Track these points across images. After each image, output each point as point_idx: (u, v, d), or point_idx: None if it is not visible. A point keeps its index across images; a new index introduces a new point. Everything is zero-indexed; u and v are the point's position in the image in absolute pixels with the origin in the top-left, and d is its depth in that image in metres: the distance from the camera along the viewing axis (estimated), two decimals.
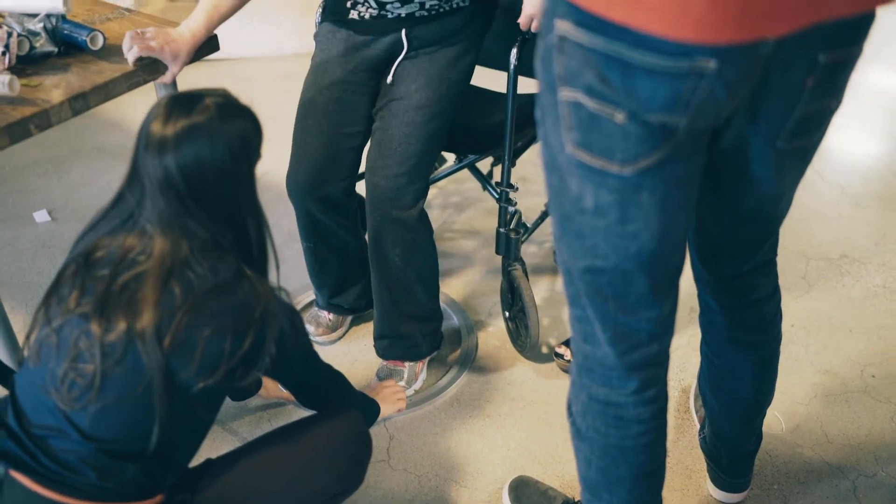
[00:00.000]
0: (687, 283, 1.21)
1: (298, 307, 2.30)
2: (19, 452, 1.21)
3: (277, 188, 1.90)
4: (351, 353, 2.17)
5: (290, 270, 2.32)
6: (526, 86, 1.85)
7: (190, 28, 1.71)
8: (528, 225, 2.28)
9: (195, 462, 1.39)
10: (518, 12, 1.77)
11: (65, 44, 1.71)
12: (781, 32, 0.91)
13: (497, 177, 2.24)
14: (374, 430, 1.81)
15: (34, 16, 1.68)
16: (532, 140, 2.10)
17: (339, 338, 2.21)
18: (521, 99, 1.91)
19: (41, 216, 2.70)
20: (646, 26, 0.88)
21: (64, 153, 3.06)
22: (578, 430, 1.29)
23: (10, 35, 1.61)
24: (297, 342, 1.38)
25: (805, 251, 2.51)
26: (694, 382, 2.03)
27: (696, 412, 1.94)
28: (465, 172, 2.43)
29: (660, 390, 1.25)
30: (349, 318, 2.24)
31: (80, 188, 2.86)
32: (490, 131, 2.12)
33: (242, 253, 1.28)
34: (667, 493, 1.40)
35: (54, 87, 1.58)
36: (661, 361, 1.23)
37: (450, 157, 2.61)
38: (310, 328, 2.17)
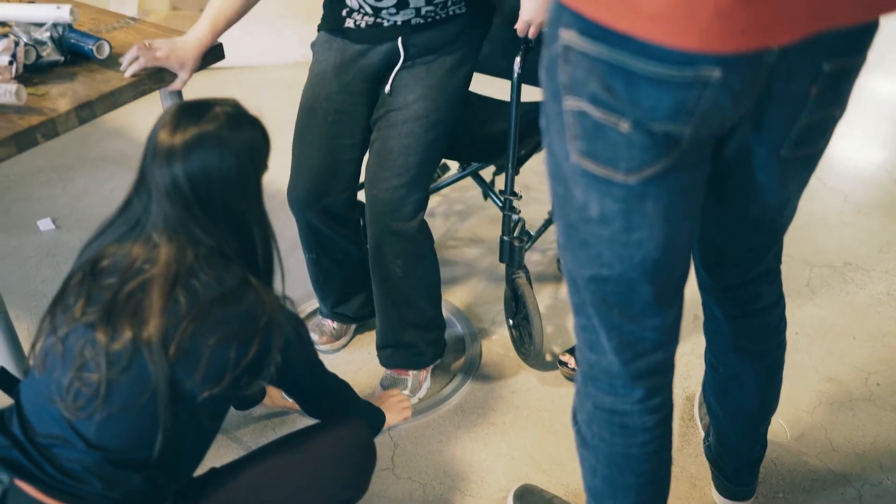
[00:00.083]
0: (691, 290, 1.21)
1: (302, 315, 2.30)
2: (24, 461, 1.21)
3: (281, 197, 1.91)
4: (355, 361, 2.17)
5: (294, 279, 2.32)
6: (529, 94, 1.86)
7: (195, 35, 1.71)
8: (532, 233, 2.28)
9: (200, 471, 1.39)
10: None
11: (71, 53, 1.72)
12: (785, 41, 0.91)
13: (500, 185, 2.25)
14: (379, 439, 1.81)
15: (41, 25, 1.69)
16: (535, 148, 2.10)
17: (343, 346, 2.21)
18: (524, 107, 1.91)
19: (45, 224, 2.71)
20: (650, 35, 0.88)
21: (68, 161, 3.06)
22: (584, 438, 1.29)
23: (16, 44, 1.61)
24: (303, 351, 1.38)
25: (808, 258, 2.51)
26: (698, 390, 2.02)
27: (701, 420, 1.94)
28: (469, 180, 2.44)
29: (665, 399, 1.25)
30: (353, 327, 2.24)
31: (84, 196, 2.87)
32: (493, 140, 2.12)
33: (248, 262, 1.29)
34: (672, 502, 1.40)
35: (61, 96, 1.59)
36: (666, 370, 1.24)
37: (453, 166, 2.62)
38: (314, 336, 2.17)
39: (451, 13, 1.78)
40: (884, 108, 3.33)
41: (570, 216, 1.09)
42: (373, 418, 1.68)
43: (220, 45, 1.79)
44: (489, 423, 1.99)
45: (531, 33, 1.75)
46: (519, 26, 1.76)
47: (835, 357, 2.16)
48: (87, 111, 1.59)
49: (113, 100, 1.63)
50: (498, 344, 2.23)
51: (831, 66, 1.00)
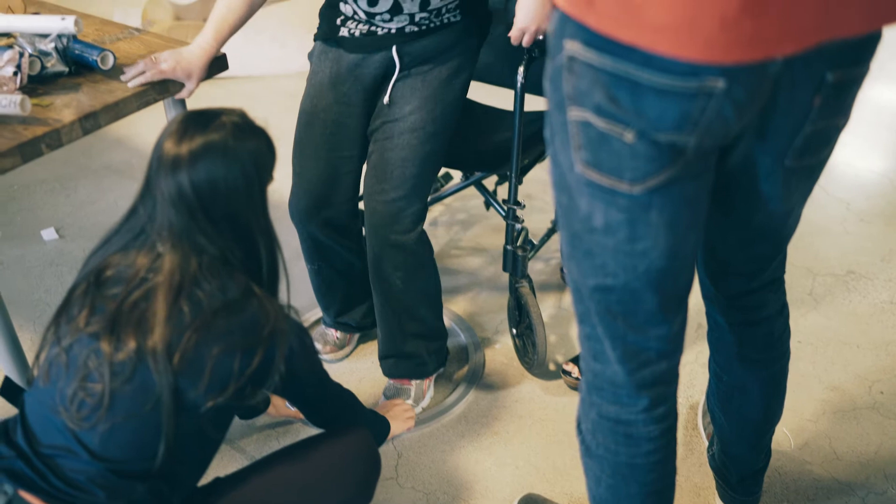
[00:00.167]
0: (694, 298, 1.21)
1: (306, 325, 2.30)
2: (28, 472, 1.21)
3: (283, 206, 1.91)
4: (358, 370, 2.17)
5: (298, 288, 2.31)
6: (532, 103, 1.86)
7: (200, 45, 1.71)
8: (535, 242, 2.28)
9: (204, 481, 1.39)
10: None
11: (76, 64, 1.72)
12: (789, 52, 0.92)
13: (502, 195, 2.25)
14: (383, 448, 1.81)
15: (46, 36, 1.70)
16: (538, 158, 2.10)
17: (347, 355, 2.21)
18: (527, 117, 1.92)
19: (49, 234, 2.71)
20: (655, 46, 0.88)
21: (71, 171, 3.07)
22: (588, 447, 1.29)
23: (21, 55, 1.62)
24: (307, 360, 1.38)
25: (811, 267, 2.51)
26: (702, 399, 2.02)
27: (705, 429, 1.93)
28: (471, 189, 2.44)
29: (669, 408, 1.25)
30: (356, 336, 2.24)
31: (87, 206, 2.87)
32: (496, 149, 2.12)
33: (252, 271, 1.29)
34: None
35: (65, 107, 1.59)
36: (670, 379, 1.23)
37: (456, 175, 2.62)
38: (317, 346, 2.17)
39: (445, 21, 1.77)
40: (885, 117, 3.33)
41: (575, 226, 1.10)
42: (377, 427, 1.68)
43: (224, 56, 1.79)
44: (493, 432, 1.99)
45: (525, 42, 1.74)
46: (513, 34, 1.75)
47: (838, 366, 2.15)
48: (91, 122, 1.59)
49: (117, 110, 1.63)
50: (501, 353, 2.23)
51: (835, 77, 1.00)
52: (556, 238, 2.50)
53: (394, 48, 1.76)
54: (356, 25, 1.76)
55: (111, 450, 1.21)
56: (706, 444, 1.90)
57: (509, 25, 1.94)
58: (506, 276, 2.40)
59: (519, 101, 1.87)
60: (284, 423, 2.00)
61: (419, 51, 1.77)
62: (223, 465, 1.87)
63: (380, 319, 1.97)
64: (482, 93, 2.32)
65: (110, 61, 1.71)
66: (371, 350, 2.22)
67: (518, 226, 2.05)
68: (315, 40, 1.88)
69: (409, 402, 2.00)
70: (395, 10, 1.71)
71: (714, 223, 1.22)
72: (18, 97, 1.51)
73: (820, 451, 1.92)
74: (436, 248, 2.58)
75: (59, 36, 1.70)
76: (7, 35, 1.76)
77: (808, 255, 2.55)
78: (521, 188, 2.02)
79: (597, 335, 1.19)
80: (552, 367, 2.17)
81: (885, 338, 2.24)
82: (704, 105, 0.93)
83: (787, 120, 1.04)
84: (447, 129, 1.83)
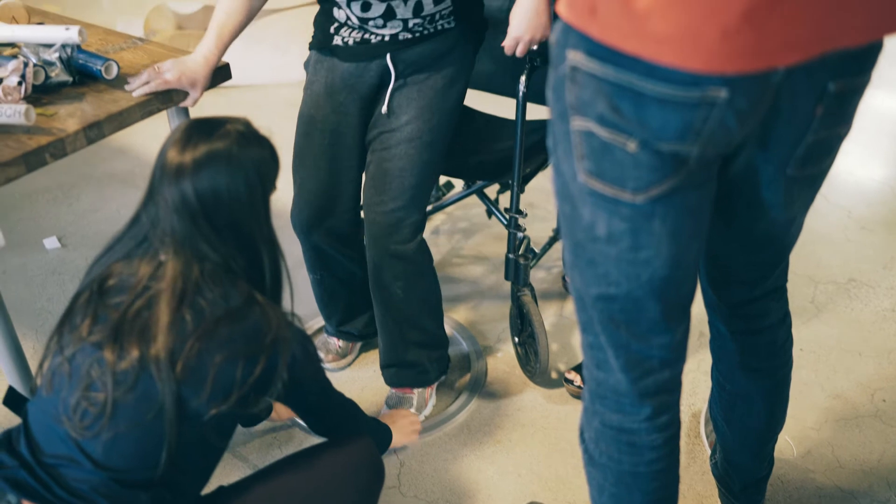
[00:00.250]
0: (697, 307, 1.21)
1: (308, 333, 2.30)
2: (32, 482, 1.21)
3: (285, 215, 1.91)
4: (360, 379, 2.17)
5: (300, 296, 2.32)
6: (534, 112, 1.87)
7: (203, 53, 1.72)
8: (537, 250, 2.29)
9: (208, 489, 1.39)
10: None
11: (80, 73, 1.73)
12: (791, 62, 0.92)
13: (504, 203, 2.25)
14: (385, 457, 1.81)
15: (50, 46, 1.70)
16: (540, 167, 2.11)
17: (349, 364, 2.21)
18: (529, 125, 1.92)
19: (51, 243, 2.72)
20: (657, 57, 0.89)
21: (73, 180, 3.08)
22: (591, 456, 1.29)
23: (26, 65, 1.63)
24: (310, 368, 1.38)
25: (813, 275, 2.51)
26: (704, 407, 2.02)
27: (707, 437, 1.93)
28: (473, 198, 2.45)
29: (672, 416, 1.25)
30: (358, 345, 2.24)
31: (89, 214, 2.88)
32: (498, 158, 2.13)
33: (255, 279, 1.29)
34: None
35: (69, 116, 1.60)
36: (673, 388, 1.24)
37: (458, 184, 2.63)
38: (319, 355, 2.17)
39: (440, 27, 1.76)
40: (885, 125, 3.34)
41: (578, 235, 1.10)
42: (379, 436, 1.68)
43: (228, 66, 1.80)
44: (495, 440, 1.99)
45: (519, 52, 1.73)
46: (507, 44, 1.73)
47: (840, 374, 2.15)
48: (95, 131, 1.59)
49: (121, 120, 1.64)
50: (503, 361, 2.23)
51: (837, 86, 1.01)
52: (557, 246, 2.51)
53: (388, 56, 1.75)
54: (350, 33, 1.75)
55: (114, 459, 1.21)
56: (709, 452, 1.90)
57: None
58: (507, 285, 2.40)
59: (521, 109, 1.87)
60: (286, 430, 2.00)
61: (414, 58, 1.76)
62: (225, 473, 1.87)
63: (381, 329, 1.97)
64: (484, 102, 2.32)
65: (114, 71, 1.72)
66: (373, 359, 2.22)
67: (520, 234, 2.05)
68: (310, 49, 1.87)
69: (412, 410, 2.00)
70: (389, 15, 1.70)
71: (716, 232, 1.23)
72: (23, 107, 1.52)
73: (822, 459, 1.91)
74: (438, 256, 2.59)
75: (64, 46, 1.70)
76: (11, 45, 1.77)
77: (810, 263, 2.55)
78: (522, 197, 2.02)
79: (600, 344, 1.19)
80: (554, 375, 2.17)
81: (887, 345, 2.24)
82: (707, 115, 0.93)
83: (790, 129, 1.05)
84: (445, 137, 1.83)
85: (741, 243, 1.26)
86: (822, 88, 1.01)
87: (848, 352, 2.22)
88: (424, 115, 1.77)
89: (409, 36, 1.74)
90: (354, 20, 1.72)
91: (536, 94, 1.70)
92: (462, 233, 2.75)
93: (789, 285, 1.42)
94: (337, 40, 1.77)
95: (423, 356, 1.99)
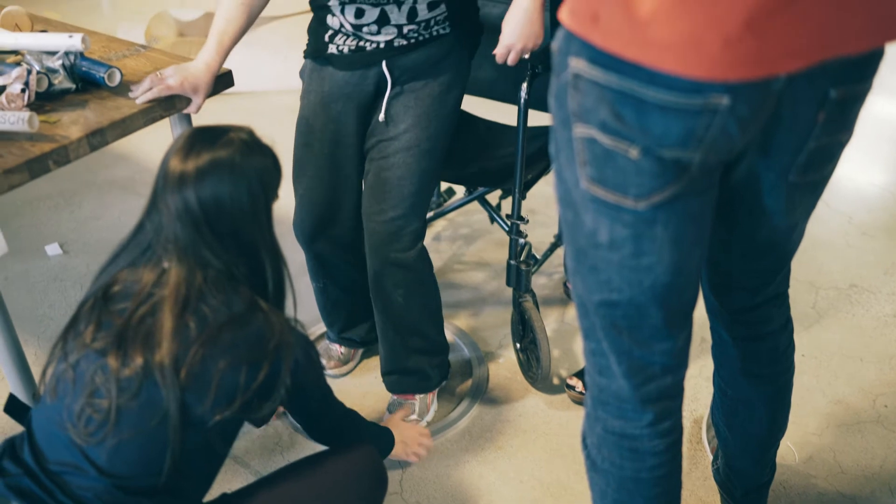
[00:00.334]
0: (698, 312, 1.22)
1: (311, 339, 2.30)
2: (36, 490, 1.21)
3: (287, 222, 1.91)
4: (362, 385, 2.18)
5: (302, 303, 2.32)
6: (535, 119, 1.87)
7: (204, 60, 1.72)
8: (538, 257, 2.29)
9: (211, 496, 1.39)
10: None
11: (83, 80, 1.74)
12: (792, 69, 0.93)
13: (505, 209, 2.26)
14: (386, 462, 1.80)
15: (53, 53, 1.71)
16: (542, 173, 2.11)
17: (351, 371, 2.21)
18: (530, 132, 1.93)
19: (53, 249, 2.72)
20: (660, 64, 0.89)
21: (75, 187, 3.08)
22: (594, 462, 1.29)
23: (29, 72, 1.63)
24: (312, 374, 1.38)
25: (814, 281, 2.51)
26: (706, 413, 2.02)
27: (709, 443, 1.93)
28: (475, 204, 2.45)
29: (674, 422, 1.25)
30: (360, 351, 2.24)
31: (91, 221, 2.88)
32: (500, 165, 2.13)
33: (257, 286, 1.29)
34: None
35: (72, 123, 1.60)
36: (675, 394, 1.24)
37: (459, 190, 2.63)
38: (321, 361, 2.17)
39: (435, 33, 1.75)
40: (886, 130, 3.35)
41: (580, 242, 1.10)
42: (382, 439, 1.67)
43: (230, 73, 1.80)
44: (497, 446, 1.99)
45: (510, 60, 1.71)
46: (498, 52, 1.71)
47: (842, 379, 2.16)
48: (98, 138, 1.60)
49: (124, 127, 1.64)
50: (505, 367, 2.23)
51: (838, 93, 1.01)
52: (559, 253, 2.51)
53: (383, 63, 1.74)
54: (344, 41, 1.74)
55: (118, 466, 1.21)
56: (710, 458, 1.90)
57: None
58: (509, 291, 2.40)
59: (522, 116, 1.88)
60: (288, 436, 2.00)
61: (410, 65, 1.75)
62: (227, 479, 1.87)
63: (381, 336, 1.97)
64: (485, 108, 2.33)
65: (117, 78, 1.73)
66: (375, 365, 2.22)
67: (521, 240, 2.06)
68: (305, 57, 1.86)
69: (414, 416, 2.00)
70: (383, 20, 1.69)
71: (718, 239, 1.23)
72: (26, 114, 1.52)
73: (824, 464, 1.92)
74: (439, 262, 2.59)
75: (67, 53, 1.71)
76: (15, 52, 1.77)
77: (811, 269, 2.56)
78: (524, 203, 2.03)
79: (602, 350, 1.19)
80: (556, 381, 2.17)
81: (889, 351, 2.24)
82: (709, 122, 0.94)
83: (791, 136, 1.05)
84: (443, 145, 1.82)
85: (743, 250, 1.26)
86: (824, 95, 1.01)
87: (849, 357, 2.23)
88: (422, 122, 1.77)
89: (405, 42, 1.73)
90: (348, 27, 1.72)
91: (538, 100, 1.70)
92: (463, 239, 2.75)
93: (791, 291, 1.42)
94: (332, 48, 1.76)
95: (424, 362, 1.99)
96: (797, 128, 1.04)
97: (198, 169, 1.21)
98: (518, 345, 2.18)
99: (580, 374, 2.09)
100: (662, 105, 0.92)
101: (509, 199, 2.05)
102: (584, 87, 0.98)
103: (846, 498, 1.83)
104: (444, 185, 2.66)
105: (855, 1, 0.90)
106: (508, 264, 2.07)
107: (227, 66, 1.78)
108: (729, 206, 1.17)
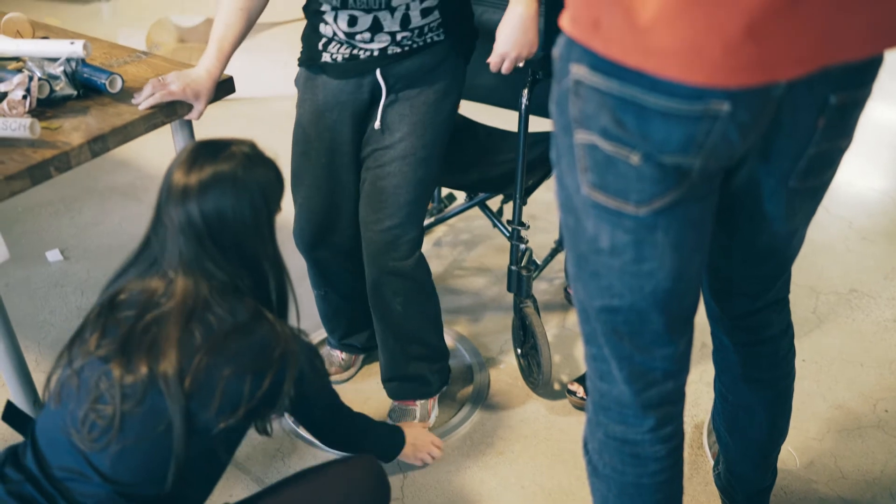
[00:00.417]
0: (699, 318, 1.22)
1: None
2: (38, 496, 1.21)
3: (288, 229, 1.91)
4: (364, 391, 2.18)
5: (303, 310, 2.32)
6: (536, 125, 1.88)
7: (205, 66, 1.72)
8: (539, 262, 2.29)
9: (210, 503, 1.39)
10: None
11: (84, 87, 1.74)
12: (792, 76, 0.93)
13: (506, 215, 2.26)
14: (388, 468, 1.81)
15: (54, 60, 1.71)
16: (543, 178, 2.11)
17: (352, 377, 2.21)
18: (531, 138, 1.93)
19: (53, 255, 2.72)
20: (661, 71, 0.90)
21: (76, 193, 3.09)
22: (595, 467, 1.29)
23: (30, 79, 1.64)
24: (317, 382, 1.38)
25: (814, 286, 2.51)
26: (707, 418, 2.02)
27: (710, 448, 1.93)
28: (475, 210, 2.45)
29: (676, 428, 1.25)
30: (361, 357, 2.24)
31: (92, 227, 2.88)
32: (500, 170, 2.14)
33: (260, 297, 1.30)
34: None
35: (74, 130, 1.61)
36: (676, 399, 1.24)
37: (460, 196, 2.64)
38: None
39: (429, 40, 1.73)
40: (885, 136, 3.35)
41: (581, 247, 1.11)
42: (393, 439, 1.66)
43: (231, 79, 1.81)
44: (498, 452, 1.99)
45: (505, 68, 1.70)
46: (492, 60, 1.70)
47: (842, 384, 2.16)
48: (99, 144, 1.60)
49: (125, 133, 1.64)
50: (506, 373, 2.23)
51: (838, 99, 1.02)
52: (559, 258, 2.51)
53: (378, 71, 1.73)
54: (338, 49, 1.73)
55: (121, 472, 1.21)
56: (711, 463, 1.90)
57: None
58: (510, 296, 2.41)
59: (523, 122, 1.88)
60: (290, 443, 2.00)
61: (404, 72, 1.74)
62: (227, 485, 1.87)
63: (381, 344, 1.97)
64: (486, 114, 2.33)
65: (118, 84, 1.73)
66: (376, 370, 2.22)
67: (522, 246, 2.06)
68: (299, 66, 1.86)
69: (415, 422, 2.00)
70: (376, 28, 1.68)
71: (718, 244, 1.23)
72: (28, 120, 1.53)
73: (825, 469, 1.91)
74: (440, 268, 2.59)
75: (68, 60, 1.71)
76: (16, 59, 1.78)
77: (812, 274, 2.56)
78: (524, 208, 2.03)
79: (603, 355, 1.19)
80: (557, 386, 2.17)
81: (889, 356, 2.24)
82: (709, 128, 0.94)
83: (791, 142, 1.06)
84: (439, 152, 1.81)
85: (743, 255, 1.26)
86: (824, 101, 1.02)
87: (850, 362, 2.23)
88: (417, 130, 1.76)
89: (399, 50, 1.72)
90: (341, 35, 1.70)
91: (538, 106, 1.71)
92: (464, 244, 2.75)
93: (791, 296, 1.43)
94: (325, 57, 1.75)
95: (424, 369, 1.99)
96: (797, 134, 1.04)
97: (200, 182, 1.21)
98: (519, 350, 2.18)
99: (581, 380, 2.09)
100: (663, 111, 0.93)
101: (510, 205, 2.05)
102: (585, 94, 0.98)
103: (847, 502, 1.83)
104: (444, 191, 2.67)
105: (855, 8, 0.91)
106: (509, 270, 2.07)
107: (227, 72, 1.79)
108: (729, 211, 1.17)
